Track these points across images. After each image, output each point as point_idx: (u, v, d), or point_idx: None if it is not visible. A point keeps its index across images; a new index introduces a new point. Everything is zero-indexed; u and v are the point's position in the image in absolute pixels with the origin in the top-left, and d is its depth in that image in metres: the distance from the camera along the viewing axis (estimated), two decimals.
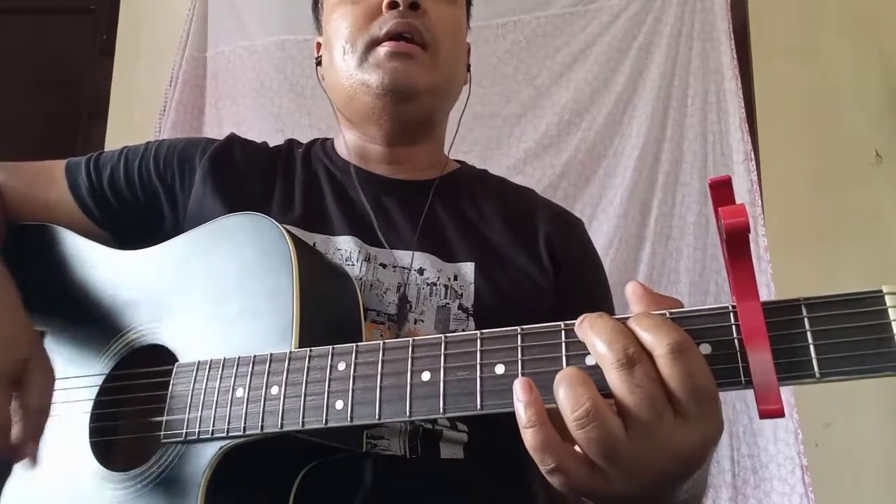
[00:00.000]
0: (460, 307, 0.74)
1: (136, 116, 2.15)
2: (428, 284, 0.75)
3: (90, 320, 0.72)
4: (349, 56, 0.80)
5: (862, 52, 2.00)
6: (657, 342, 0.44)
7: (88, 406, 0.67)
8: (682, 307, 0.48)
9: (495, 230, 0.83)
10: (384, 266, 0.75)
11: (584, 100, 1.98)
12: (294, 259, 0.61)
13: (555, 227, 0.85)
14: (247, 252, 0.65)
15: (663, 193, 1.90)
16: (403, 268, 0.76)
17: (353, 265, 0.75)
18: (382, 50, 0.78)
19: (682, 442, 0.44)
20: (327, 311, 0.65)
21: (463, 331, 0.72)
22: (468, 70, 0.93)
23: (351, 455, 0.62)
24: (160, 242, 0.73)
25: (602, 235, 1.84)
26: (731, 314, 0.45)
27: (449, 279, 0.76)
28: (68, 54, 2.39)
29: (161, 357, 0.65)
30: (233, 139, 0.89)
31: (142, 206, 0.84)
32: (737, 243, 0.44)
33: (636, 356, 0.43)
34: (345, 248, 0.76)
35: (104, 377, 0.68)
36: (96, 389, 0.68)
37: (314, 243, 0.76)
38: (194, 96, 2.14)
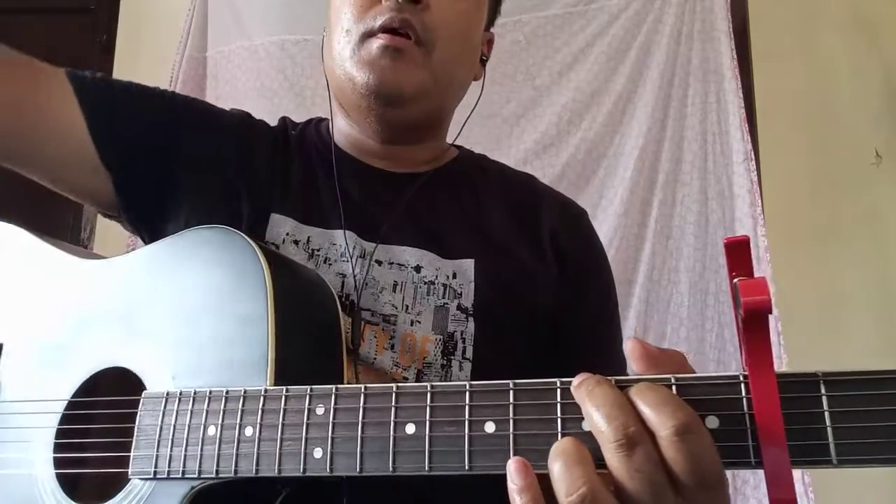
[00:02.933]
0: (459, 307, 0.72)
1: None
2: (426, 283, 0.72)
3: (49, 336, 0.67)
4: (344, 44, 0.76)
5: (861, 52, 2.00)
6: (661, 423, 0.40)
7: (52, 434, 0.64)
8: (684, 359, 0.46)
9: (497, 224, 0.79)
10: (380, 263, 0.73)
11: (584, 100, 1.98)
12: (269, 281, 0.57)
13: (560, 222, 0.82)
14: (218, 272, 0.60)
15: (663, 193, 1.90)
16: (399, 265, 0.73)
17: (348, 261, 0.72)
18: (374, 44, 0.73)
19: None
20: (304, 334, 0.61)
21: (462, 332, 0.70)
22: (483, 64, 0.87)
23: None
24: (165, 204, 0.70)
25: (602, 235, 1.81)
26: (742, 385, 0.42)
27: (448, 277, 0.73)
28: (68, 54, 2.39)
29: (127, 380, 0.61)
30: (256, 124, 0.86)
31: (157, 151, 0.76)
32: (756, 321, 0.41)
33: (637, 436, 0.40)
34: (340, 243, 0.73)
35: (67, 403, 0.64)
36: (59, 416, 0.64)
37: (308, 238, 0.73)
38: (194, 96, 2.14)
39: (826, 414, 0.40)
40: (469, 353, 0.69)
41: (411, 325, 0.70)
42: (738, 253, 0.42)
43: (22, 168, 0.73)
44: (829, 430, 0.40)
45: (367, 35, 0.74)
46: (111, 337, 0.64)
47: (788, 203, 1.91)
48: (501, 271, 0.75)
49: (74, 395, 0.64)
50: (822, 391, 0.40)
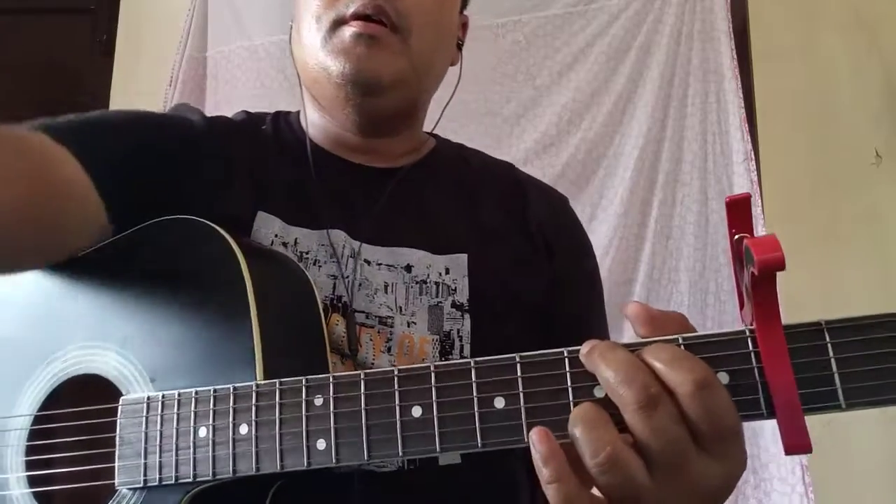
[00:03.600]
0: (454, 304, 0.70)
1: None
2: (417, 282, 0.70)
3: (6, 343, 0.63)
4: (314, 33, 0.73)
5: (861, 52, 2.00)
6: (679, 379, 0.41)
7: (22, 450, 0.59)
8: (685, 320, 0.46)
9: (486, 214, 0.77)
10: (369, 263, 0.71)
11: (584, 100, 1.98)
12: (246, 271, 0.54)
13: (546, 211, 0.81)
14: (190, 264, 0.57)
15: (663, 193, 1.90)
16: (389, 265, 0.71)
17: (337, 262, 0.70)
18: (347, 31, 0.70)
19: (707, 480, 0.42)
20: (288, 325, 0.58)
21: (458, 330, 0.69)
22: (460, 48, 0.84)
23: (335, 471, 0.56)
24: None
25: (602, 235, 1.85)
26: (749, 340, 0.43)
27: (440, 274, 0.71)
28: (68, 54, 2.39)
29: (97, 387, 0.57)
30: (213, 122, 0.80)
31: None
32: (768, 278, 0.41)
33: (658, 395, 0.41)
34: (328, 244, 0.70)
35: (34, 416, 0.60)
36: (27, 431, 0.59)
37: (296, 239, 0.70)
38: (194, 96, 2.14)
39: (832, 360, 0.41)
40: (466, 351, 0.69)
41: (408, 326, 0.69)
42: (740, 211, 0.43)
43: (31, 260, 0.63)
44: (836, 375, 0.41)
45: (339, 23, 0.71)
46: (76, 342, 0.59)
47: (788, 203, 1.91)
48: (495, 262, 0.74)
49: (42, 407, 0.60)
50: (827, 339, 0.42)
